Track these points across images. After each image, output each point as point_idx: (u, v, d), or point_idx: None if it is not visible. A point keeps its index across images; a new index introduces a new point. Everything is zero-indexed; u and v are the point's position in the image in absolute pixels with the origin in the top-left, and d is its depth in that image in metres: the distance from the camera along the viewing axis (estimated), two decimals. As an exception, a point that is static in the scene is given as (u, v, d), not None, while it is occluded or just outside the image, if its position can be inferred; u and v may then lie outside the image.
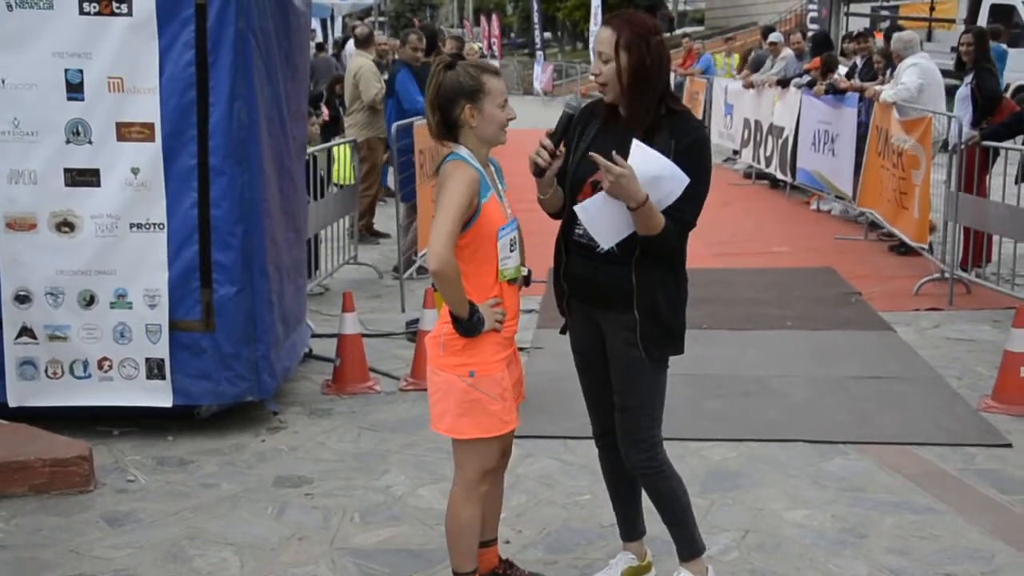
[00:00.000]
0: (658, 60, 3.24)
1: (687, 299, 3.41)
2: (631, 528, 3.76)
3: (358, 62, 10.34)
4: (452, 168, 3.24)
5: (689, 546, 3.58)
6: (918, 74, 9.30)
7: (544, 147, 3.26)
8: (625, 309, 3.31)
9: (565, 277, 3.46)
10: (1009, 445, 5.05)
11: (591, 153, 3.12)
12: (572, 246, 3.41)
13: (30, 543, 4.11)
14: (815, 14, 26.05)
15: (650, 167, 3.11)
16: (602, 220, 3.21)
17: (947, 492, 4.54)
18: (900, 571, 3.86)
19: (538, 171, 3.29)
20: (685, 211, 3.22)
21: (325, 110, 9.56)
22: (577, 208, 3.26)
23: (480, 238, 3.25)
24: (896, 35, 10.28)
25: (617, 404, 3.44)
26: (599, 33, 3.34)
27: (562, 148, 3.31)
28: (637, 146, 3.14)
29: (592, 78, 3.35)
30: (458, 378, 3.29)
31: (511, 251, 3.33)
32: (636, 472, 3.51)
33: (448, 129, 3.31)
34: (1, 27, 4.82)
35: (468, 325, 3.23)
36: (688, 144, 3.24)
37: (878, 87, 9.97)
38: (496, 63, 33.16)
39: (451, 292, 3.20)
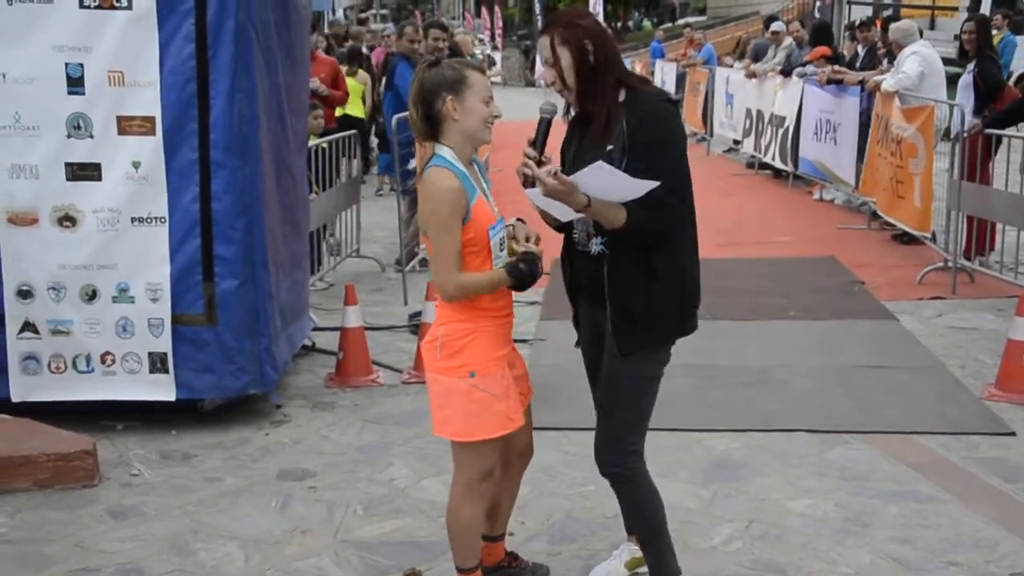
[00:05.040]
0: (599, 43, 3.14)
1: (680, 290, 3.22)
2: (634, 520, 3.74)
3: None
4: (433, 179, 3.17)
5: (655, 572, 3.38)
6: (919, 62, 9.25)
7: (529, 156, 3.14)
8: (603, 305, 3.22)
9: (571, 276, 3.42)
10: (1012, 433, 5.05)
11: (524, 157, 3.07)
12: (574, 249, 3.36)
13: (35, 537, 4.12)
14: (821, 2, 25.88)
15: (600, 184, 2.99)
16: (551, 205, 3.14)
17: (950, 481, 4.54)
18: (903, 560, 3.86)
19: (527, 182, 3.18)
20: (656, 190, 2.97)
21: None
22: (527, 191, 3.15)
23: (474, 239, 3.21)
24: (894, 24, 10.24)
25: (597, 399, 3.42)
26: (540, 43, 3.28)
27: (548, 155, 3.18)
28: (597, 167, 2.99)
29: (550, 86, 3.28)
30: (459, 380, 3.24)
31: (501, 250, 3.29)
32: (603, 473, 3.37)
33: (431, 126, 3.25)
34: (1, 21, 4.81)
35: (525, 277, 3.21)
36: (639, 119, 3.08)
37: (877, 77, 9.94)
38: (498, 55, 33.01)
39: (481, 292, 3.21)
